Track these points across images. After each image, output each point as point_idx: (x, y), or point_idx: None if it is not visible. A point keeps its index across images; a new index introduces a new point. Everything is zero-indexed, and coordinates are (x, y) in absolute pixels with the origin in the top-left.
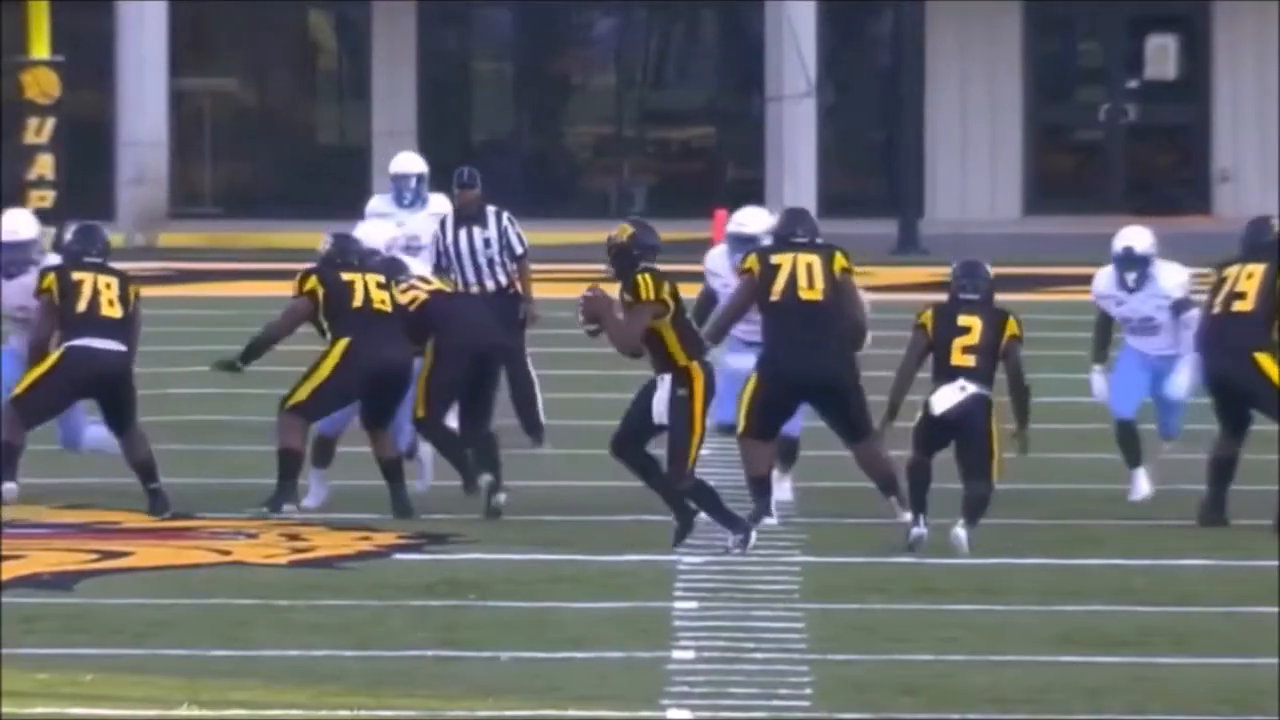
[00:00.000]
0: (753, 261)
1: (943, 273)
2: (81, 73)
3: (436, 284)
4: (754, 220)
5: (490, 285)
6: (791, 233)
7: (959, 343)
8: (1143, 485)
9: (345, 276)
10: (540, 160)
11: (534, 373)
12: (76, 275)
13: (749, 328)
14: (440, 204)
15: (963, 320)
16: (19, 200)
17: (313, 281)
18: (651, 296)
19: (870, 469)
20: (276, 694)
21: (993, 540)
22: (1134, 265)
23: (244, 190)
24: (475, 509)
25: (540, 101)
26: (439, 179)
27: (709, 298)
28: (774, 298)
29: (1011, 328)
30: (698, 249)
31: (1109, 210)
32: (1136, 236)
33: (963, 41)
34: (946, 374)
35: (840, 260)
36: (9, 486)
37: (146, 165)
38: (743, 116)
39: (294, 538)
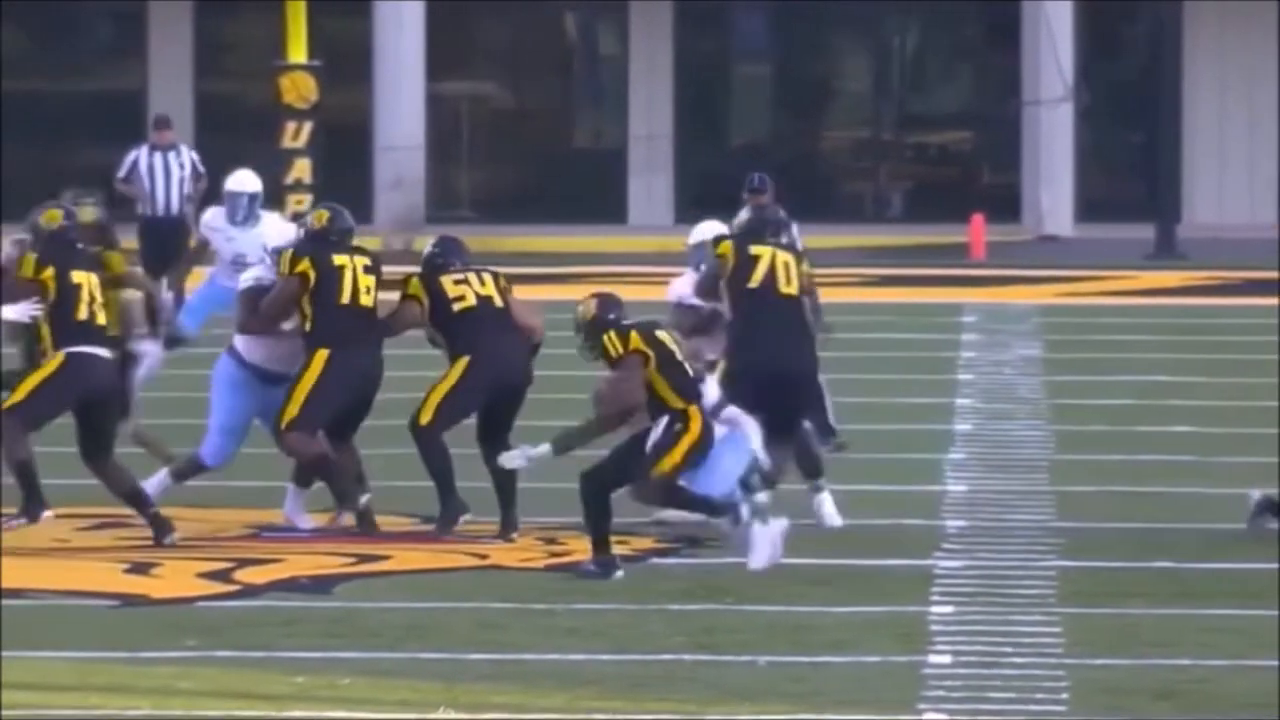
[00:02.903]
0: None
1: (1200, 277)
2: (339, 76)
3: (489, 288)
4: None
5: None
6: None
7: None
8: None
9: (336, 260)
10: (797, 164)
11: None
12: (75, 277)
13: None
14: (271, 223)
15: None
16: (277, 205)
17: (304, 263)
18: (622, 350)
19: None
20: (534, 697)
21: (1252, 545)
22: None
23: (501, 194)
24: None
25: (798, 105)
26: (696, 183)
27: None
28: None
29: None
30: (953, 254)
31: None
32: None
33: (1221, 43)
34: None
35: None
36: (46, 514)
37: (404, 169)
38: (999, 120)
39: (550, 541)
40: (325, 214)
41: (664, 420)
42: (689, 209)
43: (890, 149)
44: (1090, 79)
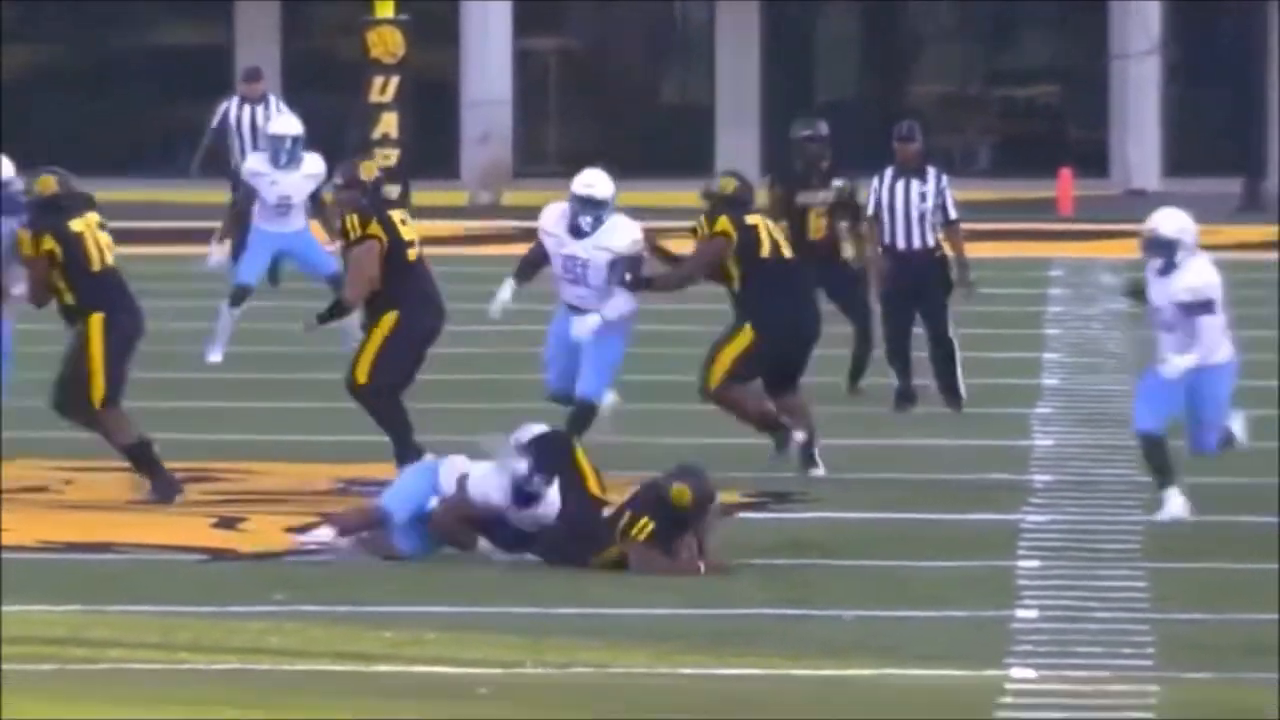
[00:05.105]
0: (726, 224)
1: None
2: (426, 31)
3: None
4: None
5: (917, 243)
6: None
7: None
8: None
9: (75, 228)
10: (884, 119)
11: (955, 336)
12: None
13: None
14: (314, 164)
15: None
16: (366, 159)
17: (48, 239)
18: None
19: None
20: (620, 653)
21: None
22: None
23: (588, 150)
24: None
25: (884, 60)
26: (784, 138)
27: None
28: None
29: None
30: (1041, 209)
31: None
32: None
33: None
34: None
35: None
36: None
37: (491, 124)
38: (1087, 74)
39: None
40: (50, 179)
41: None
42: (776, 164)
43: (977, 104)
44: (1178, 33)
